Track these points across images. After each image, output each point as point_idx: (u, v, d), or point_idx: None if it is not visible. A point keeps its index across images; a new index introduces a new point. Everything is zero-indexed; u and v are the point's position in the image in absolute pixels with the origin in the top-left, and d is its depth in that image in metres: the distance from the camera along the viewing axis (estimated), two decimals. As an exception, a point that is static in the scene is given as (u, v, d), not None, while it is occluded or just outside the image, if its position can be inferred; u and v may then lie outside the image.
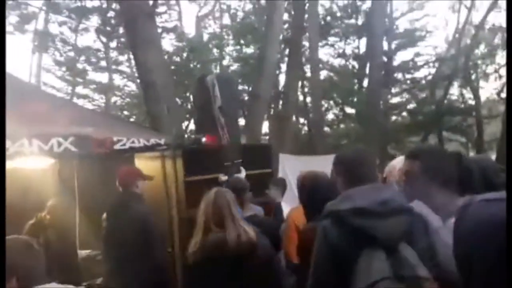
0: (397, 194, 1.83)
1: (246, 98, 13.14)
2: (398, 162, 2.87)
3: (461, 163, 1.97)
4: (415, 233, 1.72)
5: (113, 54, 18.59)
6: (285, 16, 13.72)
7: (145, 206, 3.66)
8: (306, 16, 14.13)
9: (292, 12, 14.54)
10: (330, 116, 18.30)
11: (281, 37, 12.28)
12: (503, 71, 15.90)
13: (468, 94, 17.10)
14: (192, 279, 2.61)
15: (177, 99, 12.86)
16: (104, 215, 3.88)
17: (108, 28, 16.89)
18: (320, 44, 16.18)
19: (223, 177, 4.03)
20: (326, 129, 16.92)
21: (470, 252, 0.96)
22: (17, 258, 1.75)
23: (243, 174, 3.98)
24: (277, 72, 14.92)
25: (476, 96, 16.71)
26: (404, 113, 17.61)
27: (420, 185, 1.90)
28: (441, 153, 2.08)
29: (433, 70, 17.15)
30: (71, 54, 18.01)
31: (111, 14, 16.39)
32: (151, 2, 8.19)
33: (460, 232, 1.02)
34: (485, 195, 1.01)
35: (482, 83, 17.38)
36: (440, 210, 1.83)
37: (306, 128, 17.30)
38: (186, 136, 8.25)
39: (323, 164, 5.66)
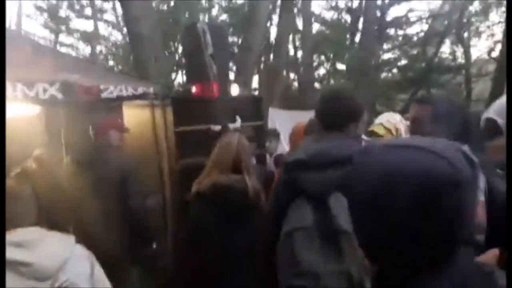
0: (340, 145, 1.74)
1: (236, 50, 12.83)
2: (392, 117, 2.86)
3: (465, 115, 1.94)
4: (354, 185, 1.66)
5: (98, 2, 17.85)
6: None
7: (120, 156, 3.58)
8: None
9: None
10: (321, 71, 18.11)
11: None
12: (496, 29, 15.75)
13: (459, 51, 16.99)
14: (195, 222, 2.50)
15: (165, 50, 12.54)
16: (70, 159, 3.76)
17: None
18: (312, -5, 15.73)
19: (216, 127, 3.97)
20: (317, 84, 16.78)
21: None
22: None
23: (238, 124, 3.92)
24: (268, 24, 14.53)
25: (467, 54, 16.62)
26: (395, 70, 17.49)
27: (428, 132, 1.84)
28: (449, 102, 2.04)
29: (425, 27, 16.92)
30: (53, 0, 17.24)
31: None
32: None
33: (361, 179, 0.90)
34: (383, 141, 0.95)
35: (474, 41, 17.24)
36: None
37: (296, 83, 17.12)
38: (174, 87, 8.10)
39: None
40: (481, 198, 1.55)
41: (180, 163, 3.58)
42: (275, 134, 4.57)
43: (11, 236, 1.66)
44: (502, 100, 1.28)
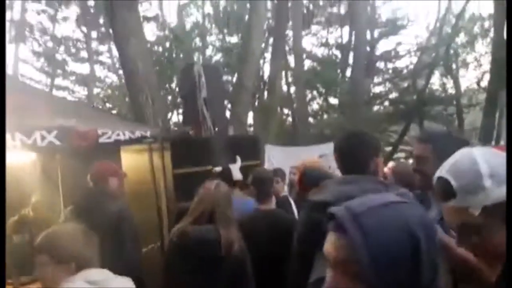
0: (365, 189, 1.69)
1: (231, 88, 13.03)
2: None
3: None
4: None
5: (93, 44, 18.21)
6: (268, 5, 13.61)
7: (118, 204, 3.55)
8: (289, 4, 14.05)
9: (275, 1, 14.44)
10: (314, 106, 18.35)
11: (264, 26, 12.18)
12: (483, 60, 16.15)
13: (449, 83, 17.35)
14: (169, 267, 2.56)
15: (161, 90, 12.70)
16: (69, 209, 3.74)
17: (88, 18, 16.50)
18: (303, 33, 16.15)
19: (217, 169, 3.98)
20: (310, 119, 16.97)
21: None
22: (74, 245, 1.89)
23: (238, 164, 3.92)
24: (261, 62, 14.84)
25: (457, 85, 16.96)
26: (386, 103, 17.77)
27: (432, 169, 1.87)
28: (451, 137, 2.03)
29: (414, 59, 17.34)
30: (50, 44, 17.57)
31: (91, 3, 16.00)
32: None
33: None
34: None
35: (462, 72, 17.65)
36: None
37: (290, 118, 17.31)
38: (171, 127, 8.15)
39: (308, 155, 5.68)
40: None
41: (178, 207, 3.56)
42: (282, 174, 4.50)
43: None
44: (456, 159, 1.26)
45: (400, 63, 17.60)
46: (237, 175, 3.76)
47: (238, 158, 3.94)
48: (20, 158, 4.42)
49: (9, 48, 18.19)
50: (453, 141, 1.97)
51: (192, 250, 2.39)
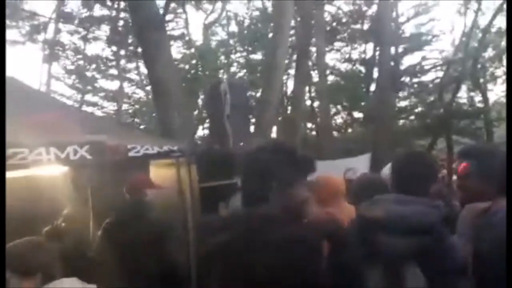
0: (422, 212, 1.65)
1: (254, 104, 13.18)
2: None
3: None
4: (430, 256, 1.57)
5: (122, 62, 18.78)
6: (292, 22, 13.76)
7: (157, 214, 3.67)
8: (313, 22, 14.19)
9: (299, 18, 14.61)
10: (338, 120, 18.32)
11: (288, 42, 12.33)
12: (512, 74, 15.80)
13: (477, 97, 17.04)
14: None
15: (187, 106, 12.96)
16: (108, 221, 3.83)
17: (118, 37, 17.07)
18: (326, 49, 16.24)
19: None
20: (335, 133, 16.92)
21: None
22: (38, 256, 1.88)
23: None
24: (285, 77, 14.97)
25: (485, 99, 16.65)
26: (412, 117, 17.56)
27: (475, 187, 1.84)
28: (492, 152, 1.98)
29: (440, 74, 17.14)
30: (81, 62, 18.22)
31: (120, 22, 16.57)
32: (160, 11, 8.28)
33: None
34: None
35: (490, 86, 17.32)
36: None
37: (314, 132, 17.30)
38: (197, 142, 8.30)
39: (332, 169, 5.64)
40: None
41: (201, 220, 3.65)
42: None
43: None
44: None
45: (426, 78, 17.44)
46: None
47: None
48: (53, 171, 4.60)
49: (43, 67, 19.03)
50: (494, 155, 1.93)
51: None
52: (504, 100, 16.16)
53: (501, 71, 16.76)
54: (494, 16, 15.95)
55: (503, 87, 16.59)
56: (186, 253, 4.42)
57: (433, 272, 1.56)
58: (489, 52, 17.24)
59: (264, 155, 1.64)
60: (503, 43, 17.08)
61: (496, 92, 17.47)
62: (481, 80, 16.75)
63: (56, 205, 4.91)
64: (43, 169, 4.09)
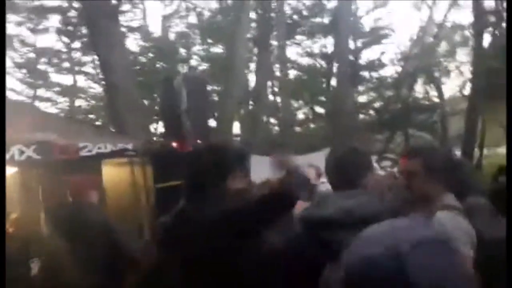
0: (364, 203, 1.72)
1: (216, 98, 13.01)
2: None
3: (455, 161, 1.95)
4: None
5: (76, 55, 18.03)
6: (253, 15, 13.67)
7: (104, 216, 3.47)
8: (273, 14, 14.16)
9: (259, 11, 14.53)
10: (300, 115, 18.42)
11: (249, 35, 12.24)
12: (464, 68, 16.44)
13: (432, 91, 17.59)
14: None
15: (144, 101, 12.61)
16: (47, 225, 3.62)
17: (70, 28, 16.34)
18: (287, 43, 16.25)
19: None
20: (297, 128, 17.01)
21: None
22: None
23: None
24: (246, 71, 14.87)
25: (440, 93, 17.21)
26: (371, 112, 17.91)
27: (422, 185, 1.85)
28: (439, 150, 2.07)
29: (398, 69, 17.55)
30: (32, 55, 17.35)
31: (72, 13, 15.85)
32: (113, 2, 7.96)
33: None
34: None
35: (444, 80, 17.92)
36: (429, 205, 1.81)
37: (276, 128, 17.33)
38: (154, 139, 8.07)
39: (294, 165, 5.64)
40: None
41: (159, 222, 3.50)
42: None
43: None
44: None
45: (384, 72, 17.80)
46: None
47: None
48: (-2, 173, 4.31)
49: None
50: (441, 153, 1.99)
51: None
52: (459, 94, 16.81)
53: (453, 65, 17.37)
54: (448, 11, 16.51)
55: (457, 81, 17.23)
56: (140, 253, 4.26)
57: None
58: (443, 47, 17.83)
59: (198, 156, 1.99)
60: (457, 37, 17.74)
61: (450, 86, 18.10)
62: (436, 75, 17.29)
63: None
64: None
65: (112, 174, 4.39)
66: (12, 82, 17.75)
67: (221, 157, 1.90)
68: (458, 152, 13.05)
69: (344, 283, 0.78)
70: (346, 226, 1.59)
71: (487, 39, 13.62)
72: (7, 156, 3.75)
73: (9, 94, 15.19)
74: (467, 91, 15.07)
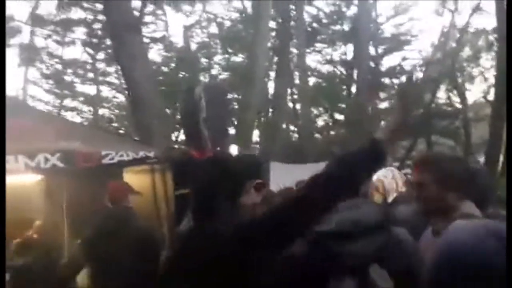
0: (372, 211, 1.69)
1: (236, 106, 13.11)
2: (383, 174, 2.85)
3: (470, 169, 1.92)
4: (390, 254, 1.61)
5: (101, 65, 18.49)
6: (273, 24, 13.76)
7: (144, 222, 3.55)
8: (293, 23, 14.22)
9: (279, 20, 14.62)
10: (320, 122, 18.35)
11: (269, 44, 12.31)
12: (488, 74, 16.11)
13: (455, 97, 17.28)
14: None
15: (167, 110, 12.81)
16: (88, 234, 3.65)
17: (95, 40, 16.79)
18: (307, 50, 16.27)
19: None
20: (317, 135, 16.94)
21: None
22: None
23: None
24: (266, 79, 14.94)
25: (463, 99, 16.89)
26: (393, 118, 17.65)
27: (435, 196, 1.82)
28: (452, 159, 2.00)
29: (420, 74, 17.32)
30: (58, 67, 17.89)
31: (97, 25, 16.29)
32: (137, 14, 8.16)
33: None
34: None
35: (468, 85, 17.58)
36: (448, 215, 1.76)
37: (296, 135, 17.30)
38: (176, 147, 8.18)
39: (315, 172, 5.62)
40: None
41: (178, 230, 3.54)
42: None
43: None
44: None
45: (405, 78, 17.57)
46: None
47: None
48: (24, 180, 4.45)
49: (19, 71, 18.60)
50: (453, 162, 1.93)
51: None
52: (482, 100, 16.44)
53: (477, 71, 17.04)
54: (470, 16, 16.24)
55: (481, 87, 16.88)
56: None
57: (395, 270, 1.57)
58: (466, 52, 17.52)
59: (207, 169, 1.76)
60: (480, 43, 17.41)
61: (474, 92, 17.74)
62: (459, 80, 16.99)
63: (28, 215, 4.76)
64: (12, 178, 3.93)
65: (133, 181, 4.47)
66: (39, 92, 18.37)
67: (231, 168, 1.75)
68: (481, 159, 12.76)
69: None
70: (352, 237, 1.58)
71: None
72: (33, 164, 3.88)
73: (37, 104, 15.75)
74: (491, 96, 14.74)
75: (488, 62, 16.62)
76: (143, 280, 3.26)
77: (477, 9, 16.26)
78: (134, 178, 4.56)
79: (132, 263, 3.22)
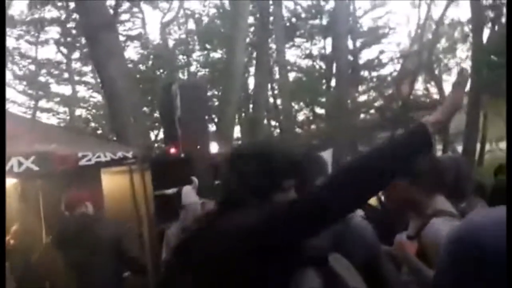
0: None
1: (216, 103, 13.03)
2: None
3: (433, 162, 1.91)
4: (350, 244, 1.60)
5: (76, 65, 18.14)
6: (251, 19, 13.69)
7: (110, 224, 3.48)
8: (271, 18, 14.17)
9: (257, 15, 14.56)
10: (300, 117, 18.41)
11: (247, 40, 12.25)
12: (464, 64, 16.40)
13: (432, 88, 17.56)
14: None
15: (145, 108, 12.64)
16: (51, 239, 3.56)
17: (69, 39, 16.44)
18: (286, 45, 16.27)
19: (169, 191, 3.84)
20: (298, 130, 16.99)
21: None
22: None
23: (193, 186, 3.69)
24: (246, 75, 14.88)
25: (441, 90, 17.16)
26: (372, 111, 17.89)
27: (403, 195, 1.83)
28: (433, 157, 2.02)
29: (398, 67, 17.53)
30: (32, 67, 17.46)
31: (71, 24, 15.95)
32: (111, 12, 7.99)
33: None
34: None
35: (445, 77, 17.90)
36: (420, 213, 1.79)
37: (278, 130, 17.33)
38: (155, 146, 8.08)
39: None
40: None
41: (159, 229, 3.50)
42: None
43: None
44: None
45: (384, 71, 17.78)
46: (188, 198, 3.46)
47: (195, 179, 3.70)
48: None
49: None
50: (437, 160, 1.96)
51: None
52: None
53: (454, 61, 17.34)
54: (446, 8, 16.47)
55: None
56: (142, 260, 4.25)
57: (356, 260, 1.53)
58: (443, 44, 17.80)
59: (241, 161, 1.52)
60: (456, 34, 17.71)
61: (451, 83, 18.02)
62: (436, 72, 17.26)
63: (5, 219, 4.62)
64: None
65: (112, 182, 4.38)
66: (13, 94, 17.89)
67: (267, 163, 1.52)
68: (459, 148, 13.00)
69: None
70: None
71: (486, 34, 13.60)
72: (6, 168, 3.76)
73: (11, 107, 15.33)
74: (468, 86, 15.01)
75: (463, 53, 16.93)
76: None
77: (452, 1, 16.52)
78: (112, 179, 4.48)
79: (96, 266, 3.17)
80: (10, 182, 4.57)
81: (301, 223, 1.30)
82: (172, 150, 4.04)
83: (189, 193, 3.46)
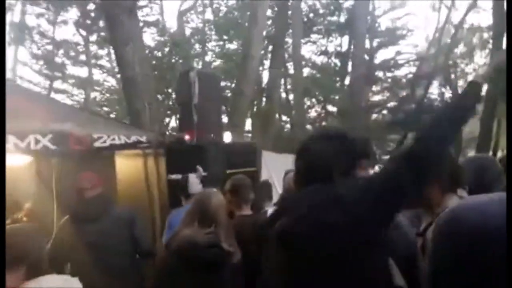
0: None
1: (229, 94, 13.04)
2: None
3: (450, 162, 1.93)
4: (394, 240, 1.69)
5: (93, 48, 18.20)
6: (269, 13, 13.64)
7: (124, 208, 3.53)
8: (290, 12, 14.11)
9: (276, 9, 14.50)
10: (312, 113, 18.36)
11: (264, 33, 12.22)
12: (481, 71, 16.18)
13: (447, 93, 17.39)
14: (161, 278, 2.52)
15: (158, 95, 12.70)
16: (65, 221, 3.58)
17: (88, 21, 16.50)
18: (303, 41, 16.20)
19: (173, 176, 3.88)
20: (309, 126, 16.95)
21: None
22: (27, 245, 1.64)
23: (198, 174, 3.72)
24: (260, 68, 14.85)
25: (455, 95, 16.98)
26: (385, 111, 17.79)
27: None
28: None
29: (413, 69, 17.39)
30: (49, 47, 17.56)
31: (91, 6, 16.00)
32: (132, -4, 8.02)
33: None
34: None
35: (461, 82, 17.69)
36: (432, 208, 1.81)
37: (288, 125, 17.31)
38: (167, 133, 8.12)
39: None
40: None
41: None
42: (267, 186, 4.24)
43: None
44: None
45: (399, 72, 17.66)
46: (194, 187, 3.55)
47: (199, 168, 3.72)
48: (14, 161, 4.37)
49: (9, 50, 18.22)
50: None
51: (198, 256, 2.34)
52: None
53: (471, 67, 17.14)
54: (466, 13, 16.26)
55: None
56: (153, 245, 4.31)
57: (396, 250, 1.60)
58: (461, 49, 17.60)
59: (319, 143, 1.66)
60: (475, 40, 17.49)
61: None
62: (452, 76, 17.08)
63: (17, 197, 4.68)
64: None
65: (125, 165, 4.43)
66: (29, 73, 18.04)
67: (351, 145, 1.64)
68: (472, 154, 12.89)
69: None
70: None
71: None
72: (23, 145, 3.81)
73: (26, 85, 15.45)
74: (482, 93, 14.85)
75: (481, 59, 16.72)
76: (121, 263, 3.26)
77: (473, 6, 16.30)
78: (126, 163, 4.53)
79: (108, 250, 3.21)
80: (25, 159, 4.64)
81: (415, 176, 1.45)
82: (187, 137, 4.07)
83: (195, 182, 3.54)
